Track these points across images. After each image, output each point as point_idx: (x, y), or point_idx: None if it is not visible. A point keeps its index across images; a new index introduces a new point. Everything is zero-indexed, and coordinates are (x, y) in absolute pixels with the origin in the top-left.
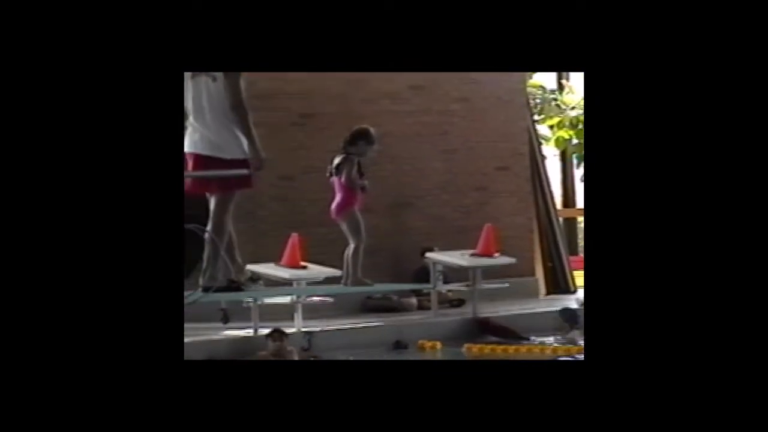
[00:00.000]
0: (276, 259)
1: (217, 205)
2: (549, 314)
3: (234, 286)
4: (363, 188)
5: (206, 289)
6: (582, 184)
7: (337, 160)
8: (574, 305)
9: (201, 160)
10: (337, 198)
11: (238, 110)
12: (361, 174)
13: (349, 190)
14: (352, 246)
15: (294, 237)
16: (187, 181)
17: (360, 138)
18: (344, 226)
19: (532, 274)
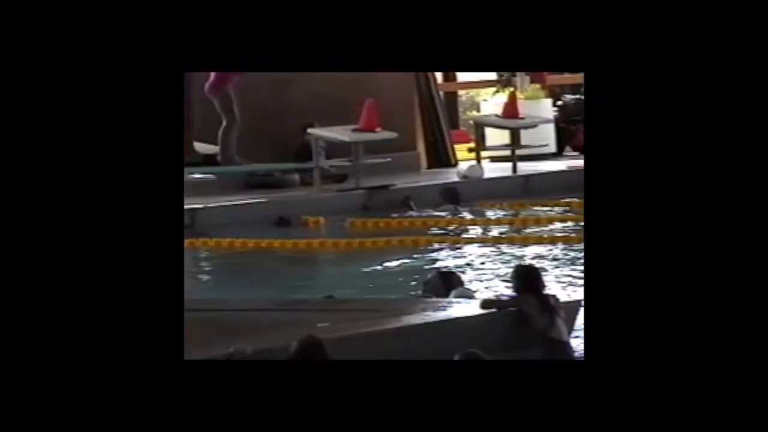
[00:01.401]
0: None
1: None
2: (432, 188)
3: (209, 160)
4: None
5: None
6: None
7: None
8: (455, 179)
9: None
10: (211, 77)
11: None
12: None
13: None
14: (224, 124)
15: None
16: None
17: None
18: (217, 105)
19: (414, 148)
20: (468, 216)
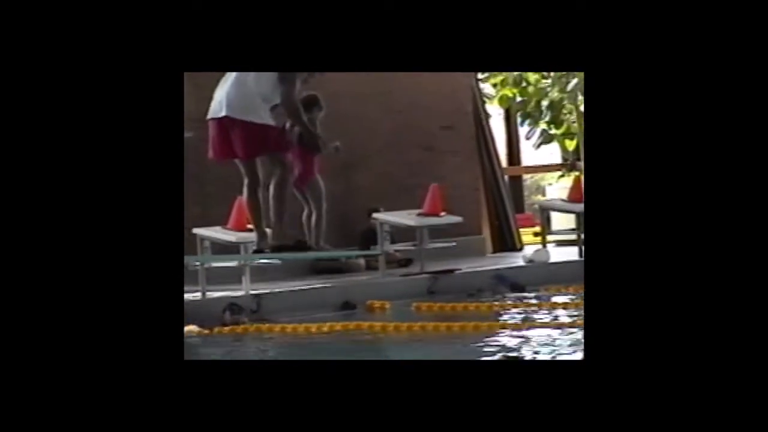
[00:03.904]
0: (222, 222)
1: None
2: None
3: (301, 245)
4: (337, 149)
5: (277, 249)
6: (526, 142)
7: (297, 130)
8: (520, 263)
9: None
10: (299, 168)
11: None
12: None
13: (309, 158)
14: (315, 213)
15: (240, 200)
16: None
17: (314, 105)
18: (308, 194)
19: (479, 232)
20: (534, 300)
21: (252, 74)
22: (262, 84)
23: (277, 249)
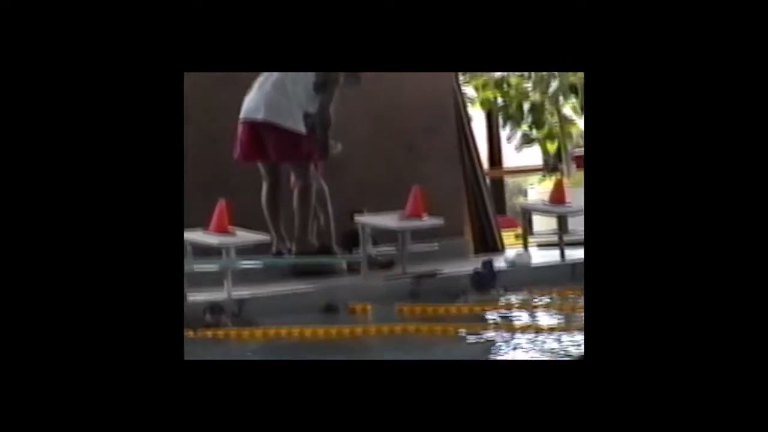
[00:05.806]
0: (204, 225)
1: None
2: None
3: (324, 250)
4: (339, 151)
5: (301, 254)
6: (508, 144)
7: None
8: (502, 265)
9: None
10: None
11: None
12: None
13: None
14: (323, 216)
15: (222, 203)
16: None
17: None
18: (312, 198)
19: (461, 234)
20: (516, 303)
21: (289, 79)
22: (298, 92)
23: (301, 255)
